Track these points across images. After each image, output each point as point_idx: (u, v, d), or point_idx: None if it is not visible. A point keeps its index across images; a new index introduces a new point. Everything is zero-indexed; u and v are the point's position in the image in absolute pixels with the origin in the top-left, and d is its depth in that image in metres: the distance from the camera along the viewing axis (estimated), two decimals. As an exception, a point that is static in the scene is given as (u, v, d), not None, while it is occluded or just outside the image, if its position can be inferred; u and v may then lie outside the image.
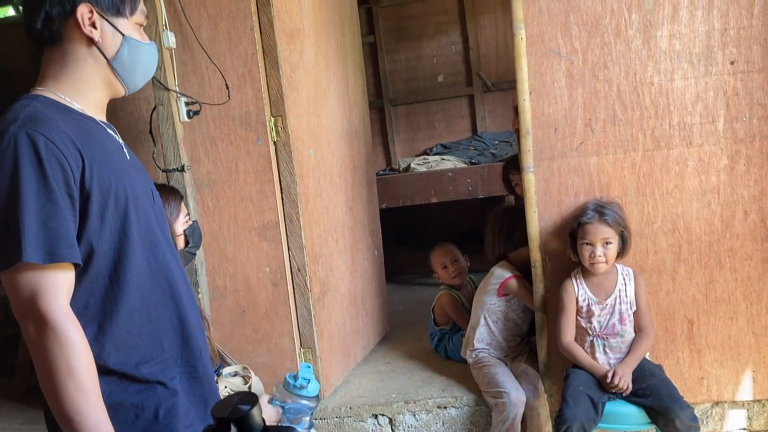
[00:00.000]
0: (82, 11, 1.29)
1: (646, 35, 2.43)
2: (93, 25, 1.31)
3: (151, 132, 2.58)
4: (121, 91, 1.41)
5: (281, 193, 2.71)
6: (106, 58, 1.33)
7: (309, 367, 2.16)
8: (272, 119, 2.66)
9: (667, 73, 2.44)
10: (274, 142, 2.69)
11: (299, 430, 2.10)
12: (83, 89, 1.34)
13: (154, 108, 2.51)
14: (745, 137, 2.42)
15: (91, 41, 1.31)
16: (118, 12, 1.33)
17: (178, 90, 2.53)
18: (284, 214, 2.73)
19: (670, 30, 2.42)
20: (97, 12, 1.30)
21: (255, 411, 0.85)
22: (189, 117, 2.56)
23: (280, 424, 2.03)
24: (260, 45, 2.62)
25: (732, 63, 2.40)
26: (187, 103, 2.55)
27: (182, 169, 2.55)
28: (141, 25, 1.40)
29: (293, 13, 2.78)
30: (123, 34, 1.34)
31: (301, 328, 2.78)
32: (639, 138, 2.48)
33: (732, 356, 2.53)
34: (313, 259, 2.82)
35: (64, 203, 1.19)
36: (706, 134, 2.44)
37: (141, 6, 1.39)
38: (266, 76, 2.65)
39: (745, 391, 2.55)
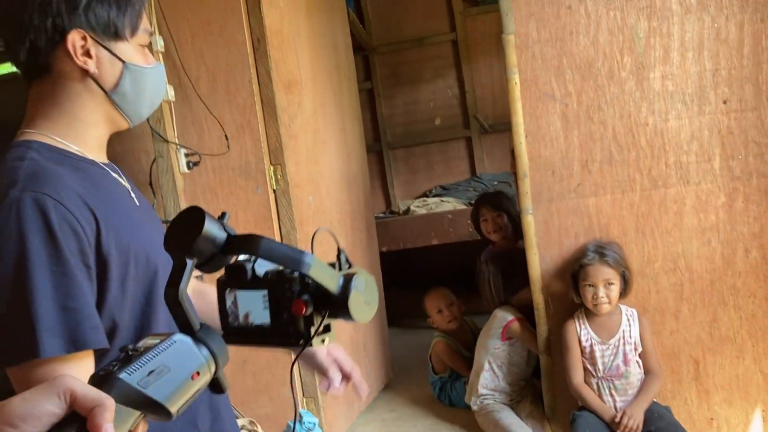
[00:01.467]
0: (74, 39, 1.05)
1: (638, 77, 2.46)
2: (87, 54, 1.07)
3: (150, 183, 2.59)
4: (124, 125, 1.18)
5: (281, 240, 2.72)
6: (104, 90, 1.10)
7: (308, 413, 2.14)
8: (271, 168, 2.67)
9: (662, 114, 2.46)
10: (274, 191, 2.70)
11: None
12: (80, 128, 1.11)
13: (154, 160, 2.53)
14: (741, 175, 2.43)
15: (86, 73, 1.08)
16: (117, 35, 1.09)
17: (177, 142, 2.55)
18: (285, 262, 2.72)
19: (662, 71, 2.45)
20: (92, 38, 1.06)
21: (207, 227, 0.70)
22: (189, 168, 2.57)
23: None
24: (258, 96, 2.65)
25: (725, 102, 2.42)
26: (186, 155, 2.57)
27: (182, 220, 2.55)
28: (144, 46, 1.15)
29: (291, 64, 2.82)
30: (123, 61, 1.10)
31: (303, 376, 2.75)
32: (636, 178, 2.49)
33: (741, 396, 2.50)
34: (315, 306, 2.80)
35: (82, 276, 0.95)
36: (703, 173, 2.45)
37: (144, 23, 1.14)
38: (265, 126, 2.67)
39: (756, 430, 2.50)
